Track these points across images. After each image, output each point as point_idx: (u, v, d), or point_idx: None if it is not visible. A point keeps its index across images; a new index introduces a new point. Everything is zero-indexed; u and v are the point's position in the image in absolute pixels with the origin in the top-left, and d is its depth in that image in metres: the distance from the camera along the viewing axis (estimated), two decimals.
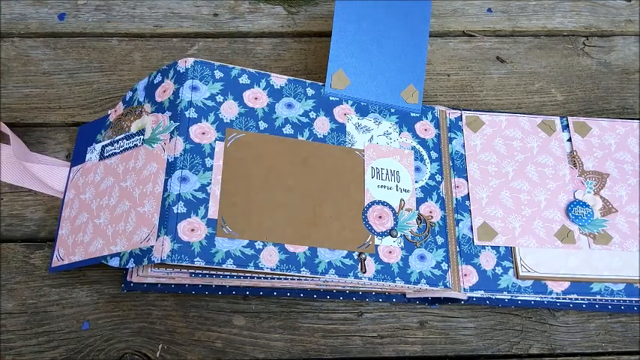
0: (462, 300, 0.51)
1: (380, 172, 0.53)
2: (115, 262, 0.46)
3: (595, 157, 0.58)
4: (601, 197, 0.56)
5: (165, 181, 0.47)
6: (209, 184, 0.48)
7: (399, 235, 0.51)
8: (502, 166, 0.57)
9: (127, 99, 0.55)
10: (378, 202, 0.52)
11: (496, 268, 0.52)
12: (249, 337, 0.51)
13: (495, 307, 0.54)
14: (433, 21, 0.68)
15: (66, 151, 0.58)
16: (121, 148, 0.52)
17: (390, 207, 0.52)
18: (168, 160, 0.48)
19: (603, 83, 0.66)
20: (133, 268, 0.48)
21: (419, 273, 0.50)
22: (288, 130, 0.53)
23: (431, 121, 0.58)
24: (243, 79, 0.53)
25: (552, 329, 0.53)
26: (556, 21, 0.69)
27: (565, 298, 0.52)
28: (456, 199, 0.55)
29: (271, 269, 0.46)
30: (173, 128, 0.49)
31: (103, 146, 0.54)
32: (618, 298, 0.52)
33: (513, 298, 0.52)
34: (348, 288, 0.52)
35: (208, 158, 0.49)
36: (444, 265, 0.51)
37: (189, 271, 0.47)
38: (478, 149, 0.57)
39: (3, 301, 0.51)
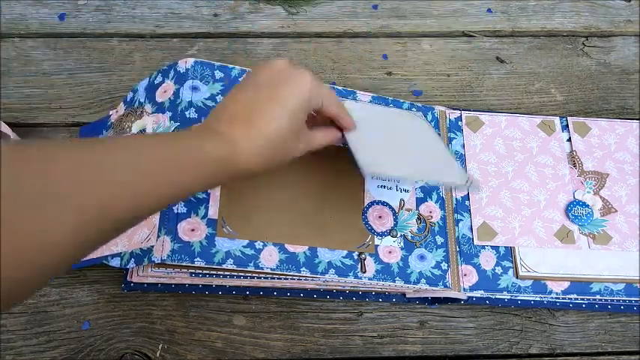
0: (462, 300, 0.51)
1: None
2: (115, 262, 0.46)
3: (595, 157, 0.58)
4: (601, 197, 0.56)
5: None
6: None
7: (398, 235, 0.51)
8: (502, 166, 0.57)
9: (128, 100, 0.55)
10: (378, 202, 0.52)
11: (496, 267, 0.52)
12: (249, 337, 0.51)
13: (495, 306, 0.54)
14: (433, 21, 0.68)
15: None
16: None
17: (390, 207, 0.52)
18: None
19: (603, 83, 0.66)
20: (133, 268, 0.48)
21: (419, 273, 0.50)
22: None
23: (431, 121, 0.58)
24: None
25: (552, 329, 0.53)
26: (556, 21, 0.69)
27: (565, 298, 0.52)
28: (456, 199, 0.55)
29: (271, 269, 0.47)
30: (173, 128, 0.49)
31: None
32: (618, 298, 0.52)
33: (513, 297, 0.52)
34: (348, 288, 0.52)
35: None
36: (444, 265, 0.52)
37: (190, 270, 0.47)
38: (478, 149, 0.57)
39: None
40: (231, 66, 0.53)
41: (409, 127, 0.54)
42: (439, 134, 0.57)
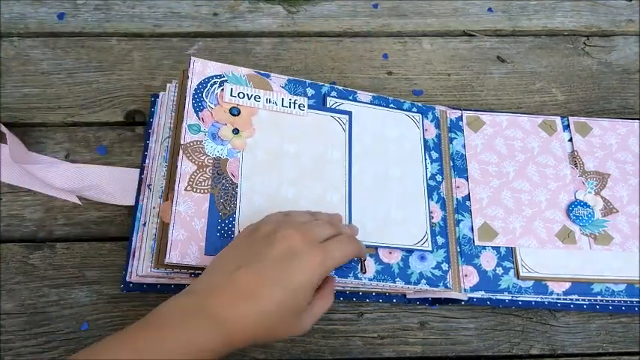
0: (463, 300, 0.51)
1: None
2: None
3: (596, 157, 0.58)
4: (602, 197, 0.56)
5: None
6: None
7: None
8: (503, 166, 0.57)
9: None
10: None
11: (497, 268, 0.52)
12: None
13: (496, 307, 0.53)
14: (434, 20, 0.68)
15: (65, 150, 0.58)
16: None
17: None
18: None
19: (604, 83, 0.65)
20: (131, 269, 0.48)
21: (419, 273, 0.50)
22: None
23: (431, 121, 0.58)
24: None
25: (553, 330, 0.53)
26: (557, 21, 0.69)
27: (566, 299, 0.52)
28: (457, 199, 0.55)
29: None
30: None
31: None
32: (619, 299, 0.52)
33: (514, 298, 0.52)
34: (348, 288, 0.51)
35: None
36: (445, 266, 0.51)
37: (189, 271, 0.46)
38: (479, 149, 0.57)
39: (2, 301, 0.51)
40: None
41: (395, 162, 0.54)
42: (435, 140, 0.57)
